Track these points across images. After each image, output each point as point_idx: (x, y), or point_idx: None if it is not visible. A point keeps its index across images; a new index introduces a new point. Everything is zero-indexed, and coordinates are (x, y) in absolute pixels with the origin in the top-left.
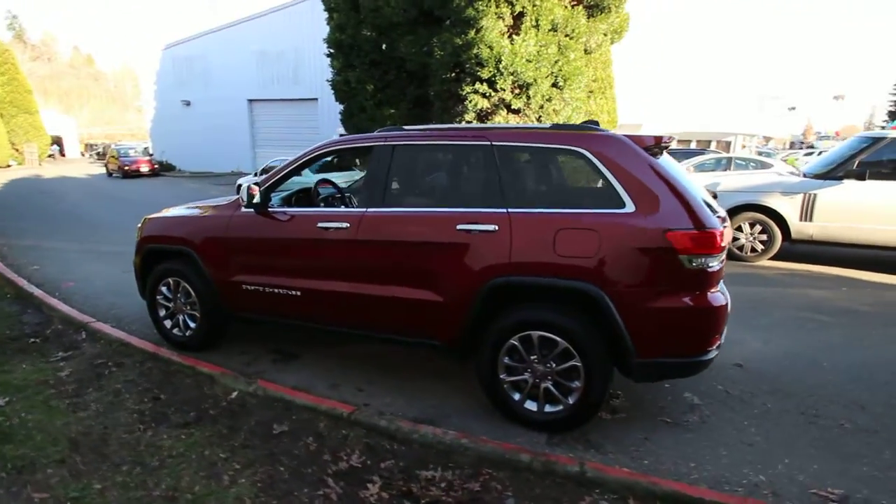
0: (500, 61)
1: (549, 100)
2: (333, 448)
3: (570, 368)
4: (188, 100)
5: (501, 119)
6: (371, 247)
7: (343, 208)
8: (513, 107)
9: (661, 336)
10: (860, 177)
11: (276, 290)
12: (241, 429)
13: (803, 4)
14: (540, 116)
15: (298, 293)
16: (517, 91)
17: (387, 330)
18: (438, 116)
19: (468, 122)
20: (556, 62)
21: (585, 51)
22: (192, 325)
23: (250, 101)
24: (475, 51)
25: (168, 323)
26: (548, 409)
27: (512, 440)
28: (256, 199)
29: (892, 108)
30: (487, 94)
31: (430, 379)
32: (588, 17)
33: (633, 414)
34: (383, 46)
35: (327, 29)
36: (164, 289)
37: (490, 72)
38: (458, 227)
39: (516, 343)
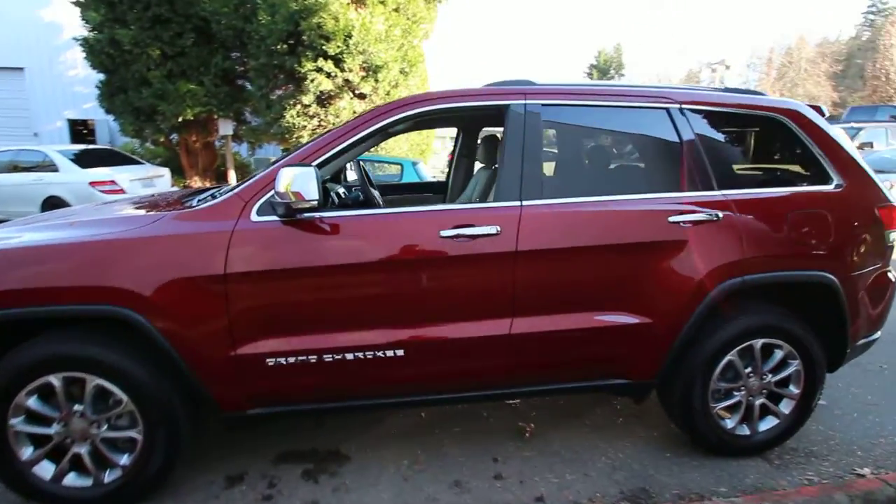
0: (350, 37)
1: (395, 86)
2: None
3: (788, 375)
4: None
5: (346, 105)
6: (540, 259)
7: (476, 205)
8: (359, 90)
9: (865, 317)
10: None
11: (348, 357)
12: None
13: None
14: None
15: (401, 352)
16: (364, 74)
17: (551, 378)
18: (260, 98)
19: (306, 105)
20: (401, 46)
21: None
22: (123, 458)
23: None
24: (317, 20)
25: (47, 469)
26: (762, 427)
27: (748, 475)
28: (312, 196)
29: None
30: (332, 74)
31: (549, 433)
32: (425, 3)
33: None
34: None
35: None
36: (31, 402)
37: (338, 47)
38: (671, 219)
39: (734, 358)
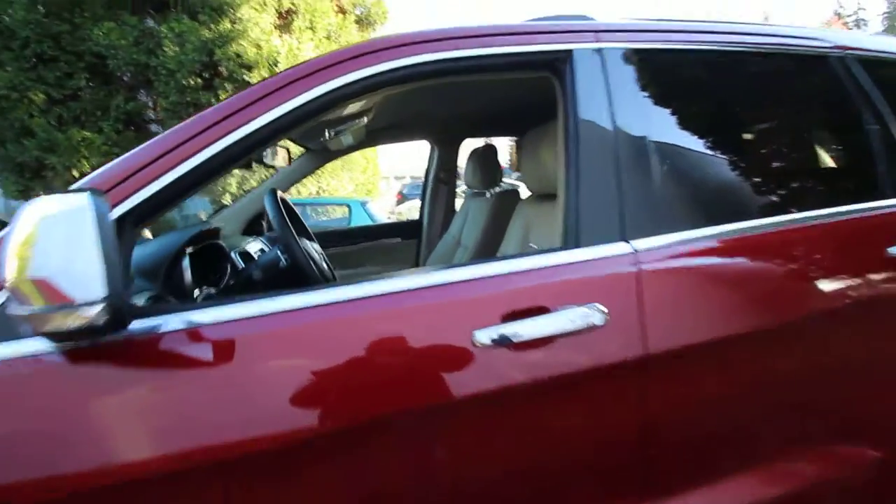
0: (276, 65)
1: None
2: None
3: None
4: None
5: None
6: (695, 368)
7: (538, 255)
8: None
9: None
10: None
11: None
12: None
13: None
14: None
15: None
16: None
17: None
18: None
19: None
20: None
21: None
22: None
23: None
24: (235, 48)
25: None
26: None
27: None
28: (88, 293)
29: None
30: None
31: None
32: (358, 30)
33: None
34: (57, 32)
35: None
36: None
37: (263, 77)
38: (893, 250)
39: None
